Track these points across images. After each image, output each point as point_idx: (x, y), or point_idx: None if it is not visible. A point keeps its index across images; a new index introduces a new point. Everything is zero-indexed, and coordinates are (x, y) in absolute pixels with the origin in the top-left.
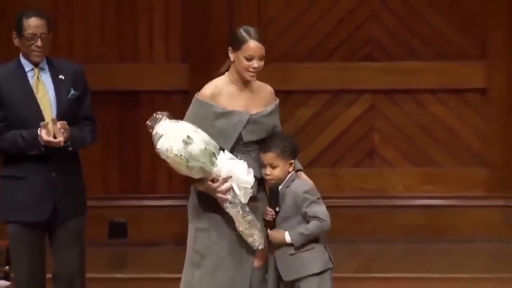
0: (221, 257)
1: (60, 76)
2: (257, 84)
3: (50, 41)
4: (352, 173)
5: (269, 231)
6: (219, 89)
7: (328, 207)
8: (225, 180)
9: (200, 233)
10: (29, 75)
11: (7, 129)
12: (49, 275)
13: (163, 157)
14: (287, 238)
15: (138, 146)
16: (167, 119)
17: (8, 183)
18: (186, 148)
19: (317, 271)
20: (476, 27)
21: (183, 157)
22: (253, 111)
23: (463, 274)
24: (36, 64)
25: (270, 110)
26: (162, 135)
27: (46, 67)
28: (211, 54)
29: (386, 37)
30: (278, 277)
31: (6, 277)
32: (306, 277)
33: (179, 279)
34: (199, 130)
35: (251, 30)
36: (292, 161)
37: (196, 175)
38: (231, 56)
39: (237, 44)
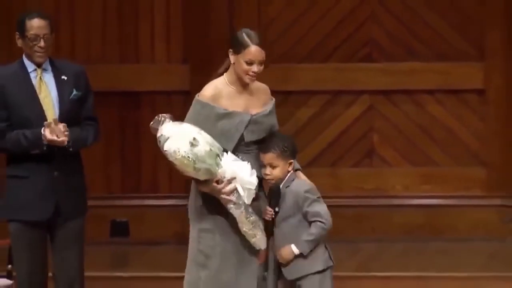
0: (225, 258)
1: (63, 77)
2: (255, 84)
3: (53, 42)
4: (351, 173)
5: (277, 251)
6: (219, 90)
7: (327, 207)
8: (229, 181)
9: (204, 234)
10: (32, 75)
11: (10, 129)
12: (49, 275)
13: (171, 159)
14: (295, 250)
15: (139, 146)
16: (170, 121)
17: (11, 182)
18: (193, 149)
19: (318, 269)
20: (474, 28)
21: (190, 159)
22: (253, 112)
23: (461, 273)
24: (39, 65)
25: (269, 110)
26: (168, 137)
27: (49, 67)
28: (212, 55)
29: (385, 38)
30: (278, 275)
31: (8, 276)
32: (307, 275)
33: (180, 277)
34: (202, 132)
35: (253, 34)
36: (292, 161)
37: (202, 177)
38: (231, 58)
39: (238, 47)
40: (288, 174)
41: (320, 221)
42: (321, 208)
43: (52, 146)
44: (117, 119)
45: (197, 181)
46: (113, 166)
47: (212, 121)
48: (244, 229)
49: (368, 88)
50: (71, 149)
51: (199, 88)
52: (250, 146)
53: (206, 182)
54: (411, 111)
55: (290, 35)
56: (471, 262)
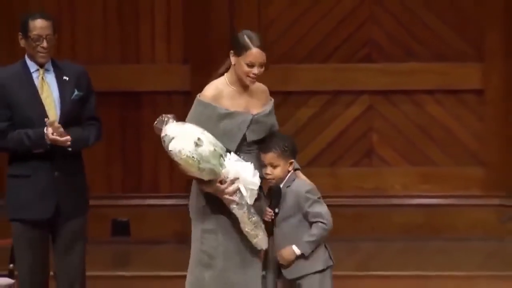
0: (228, 258)
1: (65, 77)
2: (254, 84)
3: (55, 42)
4: (351, 172)
5: (277, 252)
6: (220, 90)
7: (327, 206)
8: (233, 181)
9: (207, 235)
10: (34, 75)
11: (12, 128)
12: (51, 274)
13: (175, 159)
14: (297, 251)
15: (140, 146)
16: (174, 121)
17: (13, 181)
18: (197, 150)
19: (318, 269)
20: (473, 29)
21: (195, 159)
22: (254, 111)
23: (460, 272)
24: (41, 65)
25: (269, 110)
26: (173, 137)
27: (51, 68)
28: (212, 55)
29: (385, 38)
30: (277, 275)
31: (10, 275)
32: (307, 275)
33: (181, 276)
34: (206, 132)
35: (254, 36)
36: (292, 160)
37: (206, 177)
38: (232, 59)
39: (239, 49)
40: (289, 174)
41: (321, 222)
42: (322, 208)
43: (54, 146)
44: (118, 119)
45: (200, 181)
46: (114, 166)
47: (214, 121)
48: (246, 229)
49: (368, 88)
50: (70, 149)
51: (200, 88)
52: (252, 146)
53: (209, 182)
54: (410, 111)
55: (290, 35)
56: (469, 261)
